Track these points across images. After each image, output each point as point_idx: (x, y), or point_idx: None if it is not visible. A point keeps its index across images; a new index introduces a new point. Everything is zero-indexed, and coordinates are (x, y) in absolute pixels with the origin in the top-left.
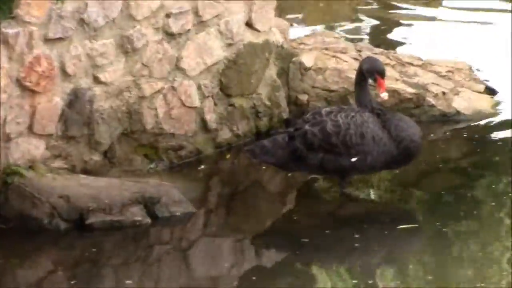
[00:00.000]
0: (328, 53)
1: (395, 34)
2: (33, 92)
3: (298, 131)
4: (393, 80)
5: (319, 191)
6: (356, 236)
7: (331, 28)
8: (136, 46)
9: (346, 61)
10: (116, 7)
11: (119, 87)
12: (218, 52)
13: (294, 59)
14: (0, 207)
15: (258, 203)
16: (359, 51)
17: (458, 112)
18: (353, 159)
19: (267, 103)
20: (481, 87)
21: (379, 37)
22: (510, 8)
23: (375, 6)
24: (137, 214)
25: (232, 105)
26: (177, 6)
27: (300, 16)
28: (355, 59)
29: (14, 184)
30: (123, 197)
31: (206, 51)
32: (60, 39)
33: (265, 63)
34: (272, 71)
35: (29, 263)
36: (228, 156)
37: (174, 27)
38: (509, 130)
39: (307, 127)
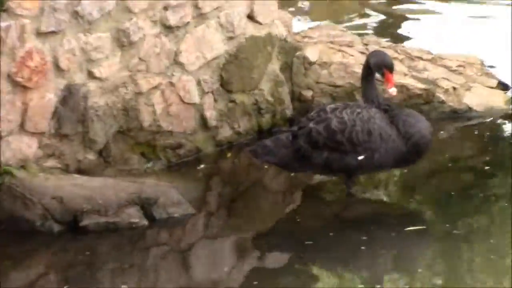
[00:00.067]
0: (334, 47)
1: (403, 29)
2: (25, 88)
3: (302, 130)
4: (401, 75)
5: (324, 192)
6: (362, 238)
7: (337, 23)
8: (133, 39)
9: (352, 55)
10: None
11: (115, 82)
12: (218, 45)
13: (298, 53)
14: None
15: (260, 204)
16: (366, 44)
17: (469, 109)
18: (360, 157)
19: (270, 99)
20: (494, 82)
21: (386, 32)
22: None
23: (382, 0)
24: (134, 215)
25: (233, 101)
26: None
27: (305, 4)
28: (362, 53)
29: (5, 185)
30: (119, 198)
31: (206, 45)
32: (53, 32)
33: (268, 58)
34: (275, 66)
35: (20, 266)
36: (228, 155)
37: (173, 20)
38: None
39: (311, 125)
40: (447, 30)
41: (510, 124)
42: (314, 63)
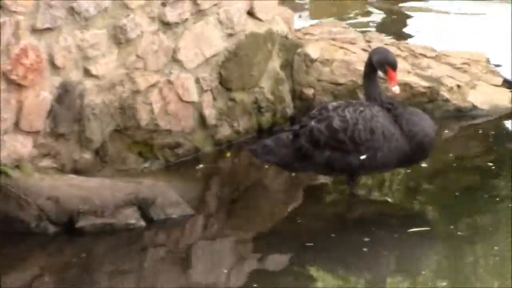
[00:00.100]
0: (336, 44)
1: (406, 27)
2: (19, 86)
3: (303, 128)
4: (404, 73)
5: (325, 192)
6: (364, 239)
7: (339, 20)
8: (130, 36)
9: (354, 53)
10: None
11: (112, 80)
12: (217, 42)
13: (299, 50)
14: None
15: (260, 204)
16: (369, 41)
17: (474, 107)
18: (362, 157)
19: (270, 97)
20: (499, 80)
21: (389, 29)
22: None
23: None
24: (131, 216)
25: (232, 99)
26: None
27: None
28: (364, 50)
29: None
30: (115, 199)
31: (205, 42)
32: (48, 29)
33: (268, 55)
34: (275, 63)
35: (15, 269)
36: (228, 154)
37: (171, 16)
38: None
39: (312, 123)
40: (452, 27)
41: None
42: (315, 60)
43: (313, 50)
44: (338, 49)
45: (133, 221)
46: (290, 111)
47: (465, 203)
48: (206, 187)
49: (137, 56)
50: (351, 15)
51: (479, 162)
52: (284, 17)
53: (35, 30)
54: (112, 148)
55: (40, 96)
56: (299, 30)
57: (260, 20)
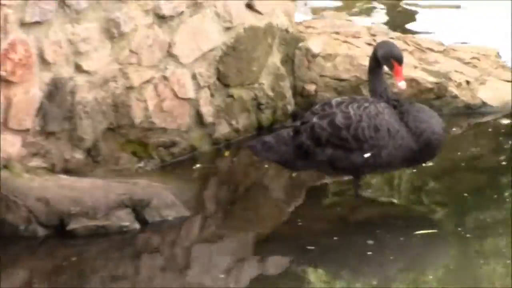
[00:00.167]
0: (339, 38)
1: (414, 20)
2: (8, 83)
3: (304, 125)
4: (411, 68)
5: (328, 193)
6: (369, 242)
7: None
8: (123, 30)
9: (358, 47)
10: None
11: (104, 76)
12: (215, 36)
13: (300, 44)
14: None
15: (260, 206)
16: (373, 35)
17: (484, 104)
18: (366, 155)
19: (270, 94)
20: (510, 76)
21: (395, 22)
22: None
23: None
24: (125, 218)
25: (231, 96)
26: None
27: None
28: (369, 44)
29: None
30: (108, 200)
31: (202, 36)
32: (38, 23)
33: (268, 49)
34: (275, 58)
35: (2, 274)
36: (226, 153)
37: (166, 9)
38: None
39: (314, 119)
40: (461, 22)
41: None
42: (317, 55)
43: (315, 44)
44: (341, 43)
45: (126, 224)
46: (291, 108)
47: (473, 204)
48: (203, 188)
49: (131, 50)
50: (356, 9)
51: (488, 161)
52: (285, 10)
53: (23, 24)
54: (105, 147)
55: (29, 92)
56: (300, 23)
57: (260, 13)
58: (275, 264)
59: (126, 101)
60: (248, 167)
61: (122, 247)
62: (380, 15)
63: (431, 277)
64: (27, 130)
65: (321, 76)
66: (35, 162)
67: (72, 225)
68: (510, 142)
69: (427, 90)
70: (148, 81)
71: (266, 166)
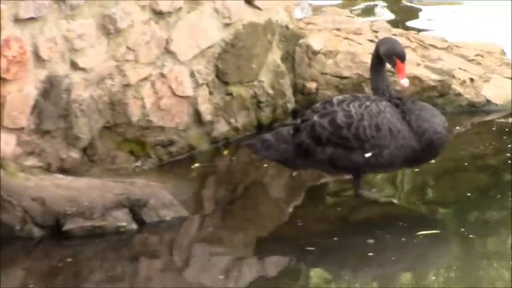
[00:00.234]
0: (340, 34)
1: (417, 17)
2: (2, 80)
3: (305, 123)
4: (414, 65)
5: (329, 192)
6: (370, 243)
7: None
8: (120, 26)
9: (360, 44)
10: None
11: (101, 73)
12: (213, 33)
13: (300, 41)
14: None
15: (259, 206)
16: (376, 32)
17: (488, 102)
18: (367, 155)
19: (270, 91)
20: None
21: (398, 19)
22: None
23: None
24: (122, 219)
25: (229, 94)
26: None
27: None
28: (371, 41)
29: None
30: (105, 200)
31: (200, 33)
32: (32, 19)
33: (268, 46)
34: (275, 55)
35: None
36: (225, 152)
37: (163, 5)
38: None
39: (315, 118)
40: (464, 18)
41: None
42: (318, 52)
43: (315, 41)
44: (342, 40)
45: (123, 224)
46: (291, 106)
47: (477, 204)
48: (202, 187)
49: (128, 47)
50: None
51: (492, 160)
52: (285, 6)
53: (18, 20)
54: (101, 146)
55: (24, 90)
56: (300, 19)
57: (259, 9)
58: (275, 264)
59: (123, 99)
60: (248, 166)
61: (119, 248)
62: (382, 13)
63: (433, 278)
64: (22, 129)
65: (322, 73)
66: (30, 161)
67: (68, 226)
68: None
69: (430, 88)
70: (145, 79)
71: (266, 165)
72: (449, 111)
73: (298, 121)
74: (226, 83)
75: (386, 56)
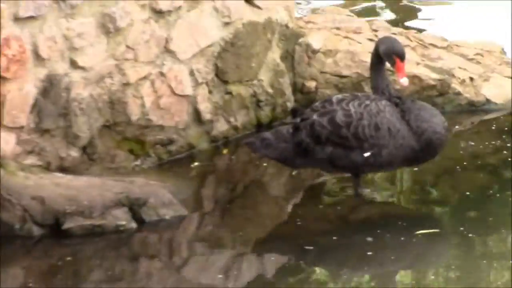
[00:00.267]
0: (340, 33)
1: (416, 19)
2: (1, 79)
3: (304, 122)
4: (413, 64)
5: (328, 192)
6: (369, 242)
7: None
8: (119, 25)
9: (360, 43)
10: None
11: (100, 72)
12: (213, 32)
13: (300, 40)
14: None
15: (258, 205)
16: (375, 31)
17: (487, 101)
18: (366, 154)
19: (269, 90)
20: None
21: (398, 18)
22: None
23: None
24: (121, 217)
25: (229, 93)
26: None
27: None
28: (371, 40)
29: None
30: (105, 199)
31: (200, 31)
32: (32, 17)
33: (267, 45)
34: (275, 54)
35: None
36: (225, 151)
37: (163, 4)
38: None
39: (314, 117)
40: (464, 18)
41: None
42: (318, 51)
43: (315, 40)
44: (342, 38)
45: (123, 223)
46: (290, 105)
47: (476, 203)
48: (201, 186)
49: (127, 46)
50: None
51: (492, 159)
52: (285, 5)
53: (17, 19)
54: (101, 145)
55: (24, 89)
56: (300, 18)
57: (259, 7)
58: (274, 263)
59: (123, 97)
60: (247, 165)
61: (118, 247)
62: (382, 13)
63: (432, 277)
64: (22, 127)
65: (322, 72)
66: (30, 160)
67: (68, 224)
68: None
69: (429, 87)
70: (144, 77)
71: (265, 164)
72: (448, 110)
73: (298, 120)
74: (225, 82)
75: (386, 55)
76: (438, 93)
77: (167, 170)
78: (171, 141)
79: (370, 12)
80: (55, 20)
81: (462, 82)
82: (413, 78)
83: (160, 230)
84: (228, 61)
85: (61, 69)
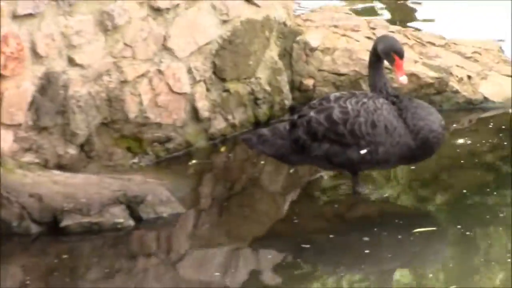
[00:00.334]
0: (338, 31)
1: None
2: None
3: (301, 119)
4: (411, 62)
5: (326, 190)
6: (366, 240)
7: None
8: (118, 23)
9: (358, 41)
10: None
11: (98, 70)
12: (211, 30)
13: (298, 38)
14: None
15: (256, 203)
16: (373, 28)
17: (485, 99)
18: (363, 151)
19: (267, 88)
20: (511, 70)
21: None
22: None
23: None
24: (119, 215)
25: (227, 90)
26: None
27: None
28: (369, 38)
29: None
30: (102, 196)
31: (198, 29)
32: (30, 15)
33: (265, 43)
34: (273, 52)
35: None
36: (222, 149)
37: (161, 2)
38: None
39: (311, 113)
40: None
41: None
42: (316, 49)
43: (313, 38)
44: (340, 36)
45: (121, 220)
46: (288, 103)
47: (473, 201)
48: (199, 184)
49: (125, 44)
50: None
51: (489, 158)
52: (283, 3)
53: (16, 16)
54: (99, 143)
55: (22, 86)
56: (298, 16)
57: (257, 5)
58: (271, 261)
59: (120, 95)
60: (244, 162)
61: (116, 244)
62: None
63: (430, 275)
64: (19, 125)
65: (320, 70)
66: (28, 158)
67: (66, 222)
68: (511, 138)
69: (427, 85)
70: (142, 75)
71: (263, 162)
72: (446, 108)
73: (295, 116)
74: (223, 80)
75: (385, 53)
76: (436, 91)
77: (165, 168)
78: (168, 139)
79: (370, 12)
80: (53, 18)
81: (460, 80)
82: (411, 76)
83: (157, 228)
84: (226, 59)
85: (59, 66)
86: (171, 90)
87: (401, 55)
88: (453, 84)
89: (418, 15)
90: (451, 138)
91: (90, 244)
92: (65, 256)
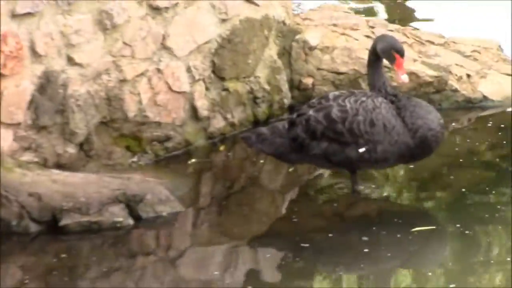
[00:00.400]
0: (337, 30)
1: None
2: None
3: (300, 117)
4: (410, 61)
5: (325, 189)
6: (365, 239)
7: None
8: (117, 22)
9: (357, 39)
10: None
11: (97, 69)
12: (210, 29)
13: (297, 37)
14: None
15: (255, 201)
16: (372, 27)
17: (484, 98)
18: (361, 150)
19: (266, 87)
20: (511, 69)
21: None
22: None
23: None
24: (118, 214)
25: (226, 89)
26: None
27: None
28: (368, 36)
29: None
30: (101, 195)
31: (197, 28)
32: (29, 14)
33: (264, 42)
34: (272, 51)
35: None
36: (221, 148)
37: (160, 1)
38: None
39: (310, 112)
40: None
41: None
42: (315, 48)
43: (312, 37)
44: (339, 35)
45: (120, 219)
46: (287, 101)
47: (472, 200)
48: (198, 183)
49: (124, 43)
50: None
51: (488, 157)
52: (282, 2)
53: (15, 15)
54: (98, 142)
55: (21, 85)
56: (297, 15)
57: (256, 4)
58: (270, 260)
59: (119, 94)
60: (244, 161)
61: (115, 243)
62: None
63: (429, 274)
64: (19, 124)
65: (319, 69)
66: (27, 157)
67: (65, 221)
68: (510, 137)
69: (426, 84)
70: (141, 74)
71: (262, 161)
72: (445, 107)
73: (294, 115)
74: (222, 79)
75: (384, 52)
76: (435, 90)
77: (164, 167)
78: (168, 138)
79: (370, 13)
80: (52, 17)
81: (459, 79)
82: (410, 75)
83: (157, 227)
84: (225, 57)
85: (58, 65)
86: (170, 89)
87: (401, 53)
88: (452, 82)
89: (417, 14)
90: (450, 137)
91: (89, 243)
92: (64, 255)
